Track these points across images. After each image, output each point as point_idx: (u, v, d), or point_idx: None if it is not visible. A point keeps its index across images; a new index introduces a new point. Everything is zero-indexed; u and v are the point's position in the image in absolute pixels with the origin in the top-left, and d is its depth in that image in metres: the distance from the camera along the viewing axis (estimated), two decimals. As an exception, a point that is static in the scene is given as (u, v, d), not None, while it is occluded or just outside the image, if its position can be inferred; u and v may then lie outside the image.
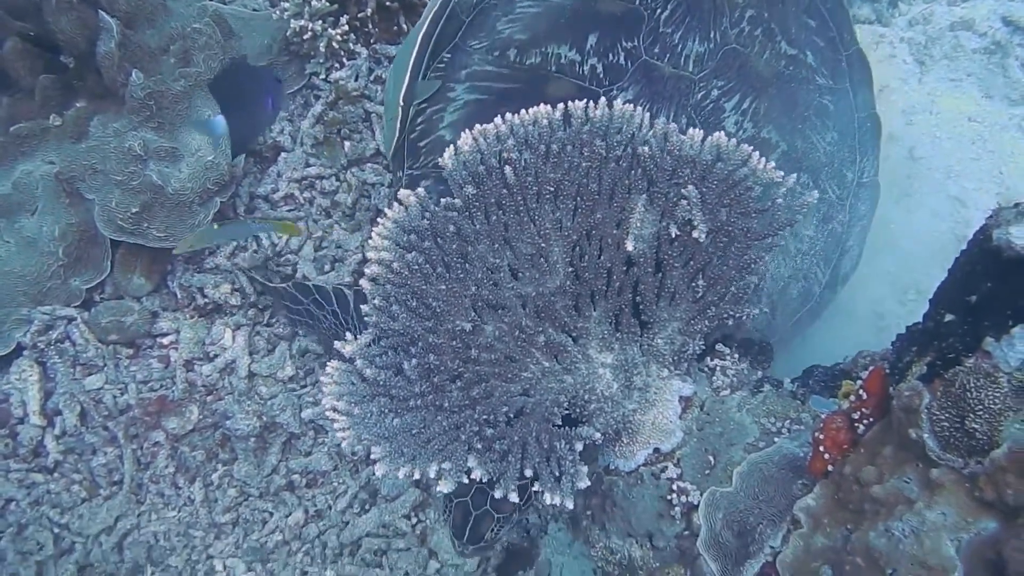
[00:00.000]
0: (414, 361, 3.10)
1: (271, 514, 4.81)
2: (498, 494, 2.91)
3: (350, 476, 4.79)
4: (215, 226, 4.41)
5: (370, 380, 3.08)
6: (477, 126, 3.23)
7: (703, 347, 3.41)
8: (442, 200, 3.21)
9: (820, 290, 4.23)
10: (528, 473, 2.92)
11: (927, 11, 5.80)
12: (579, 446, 3.02)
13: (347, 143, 4.89)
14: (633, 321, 3.28)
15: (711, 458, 3.23)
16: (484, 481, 2.94)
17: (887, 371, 2.71)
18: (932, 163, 5.17)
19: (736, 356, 3.59)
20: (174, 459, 4.74)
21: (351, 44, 4.86)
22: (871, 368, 2.75)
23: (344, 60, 4.88)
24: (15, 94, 4.88)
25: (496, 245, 3.20)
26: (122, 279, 4.75)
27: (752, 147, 3.18)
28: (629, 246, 3.18)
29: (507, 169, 3.16)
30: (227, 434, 4.70)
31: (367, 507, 4.80)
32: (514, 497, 2.92)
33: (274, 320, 4.92)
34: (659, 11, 3.98)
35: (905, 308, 4.71)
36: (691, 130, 3.18)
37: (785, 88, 4.12)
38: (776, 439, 3.16)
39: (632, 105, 3.23)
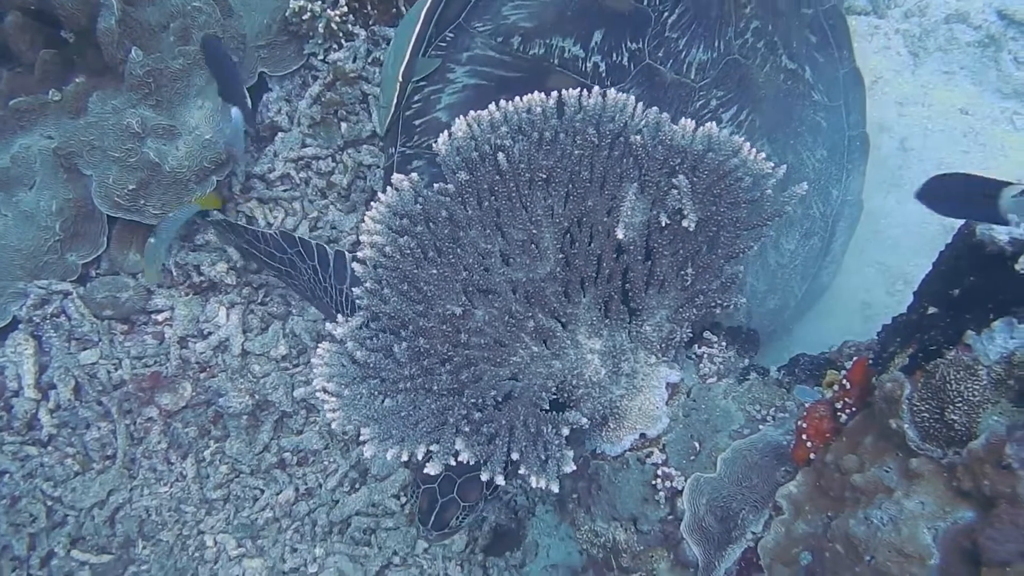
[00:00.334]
0: (404, 344, 3.12)
1: (262, 491, 4.86)
2: (484, 477, 2.94)
3: (341, 455, 4.84)
4: (150, 240, 4.44)
5: (360, 362, 3.11)
6: (471, 112, 3.25)
7: (691, 335, 3.43)
8: (435, 185, 3.23)
9: (795, 303, 4.26)
10: (515, 456, 2.95)
11: (922, 3, 5.82)
12: (566, 431, 3.03)
13: (344, 124, 4.91)
14: (622, 308, 3.30)
15: (696, 444, 3.26)
16: (472, 463, 2.97)
17: (871, 361, 2.75)
18: (923, 155, 5.19)
19: (723, 344, 3.62)
20: (167, 435, 4.79)
21: (349, 25, 4.86)
22: (855, 358, 2.79)
23: (342, 41, 4.89)
24: (15, 68, 4.89)
25: (488, 231, 3.22)
26: (118, 255, 4.78)
27: (744, 138, 3.21)
28: (619, 234, 3.21)
29: (500, 156, 3.18)
30: (220, 411, 4.75)
31: (357, 486, 4.86)
32: (500, 480, 2.96)
33: (268, 299, 4.95)
34: (666, 14, 3.99)
35: (893, 298, 4.74)
36: (683, 120, 3.20)
37: (782, 103, 4.14)
38: (761, 427, 3.19)
39: (625, 95, 3.26)
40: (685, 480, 3.14)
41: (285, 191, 5.01)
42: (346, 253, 4.37)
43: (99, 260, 4.81)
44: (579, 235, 3.25)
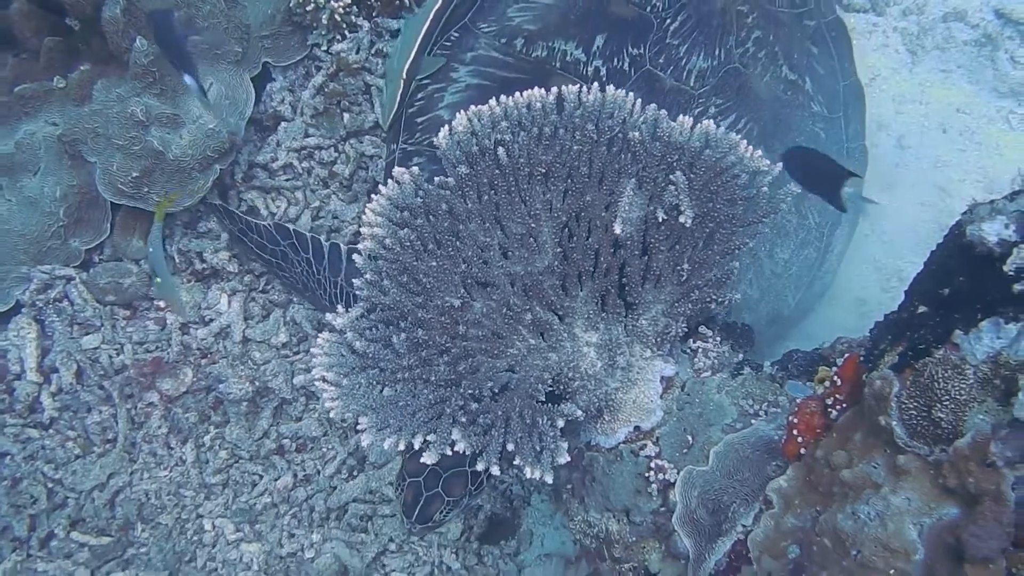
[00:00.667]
0: (403, 335, 3.17)
1: (261, 477, 4.90)
2: (480, 467, 2.98)
3: (339, 442, 4.87)
4: (157, 280, 4.45)
5: (360, 352, 3.16)
6: (472, 107, 3.29)
7: (686, 329, 3.48)
8: (435, 179, 3.28)
9: (788, 313, 4.29)
10: (510, 447, 2.99)
11: (921, 1, 5.84)
12: (561, 422, 3.07)
13: (346, 115, 4.92)
14: (619, 302, 3.35)
15: (689, 437, 3.30)
16: (468, 453, 3.01)
17: (863, 358, 2.79)
18: (920, 152, 5.23)
19: (718, 339, 3.65)
20: (167, 420, 4.82)
21: (353, 17, 4.87)
22: (847, 355, 2.81)
23: (346, 32, 4.89)
24: (19, 55, 4.91)
25: (487, 224, 3.26)
26: (121, 241, 4.80)
27: (743, 133, 3.25)
28: (617, 229, 3.25)
29: (500, 150, 3.22)
30: (220, 397, 4.78)
31: (355, 473, 4.90)
32: (496, 470, 3.00)
33: (270, 287, 4.98)
34: (668, 21, 4.03)
35: (888, 295, 4.78)
36: (681, 117, 3.24)
37: (781, 112, 4.17)
38: (753, 421, 3.23)
39: (624, 91, 3.30)
40: (678, 473, 3.18)
41: (287, 180, 5.02)
42: (341, 246, 4.41)
43: (102, 246, 4.83)
44: (577, 229, 3.30)
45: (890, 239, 4.90)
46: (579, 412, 3.16)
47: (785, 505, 2.68)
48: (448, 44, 4.12)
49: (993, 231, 2.43)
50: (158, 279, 4.17)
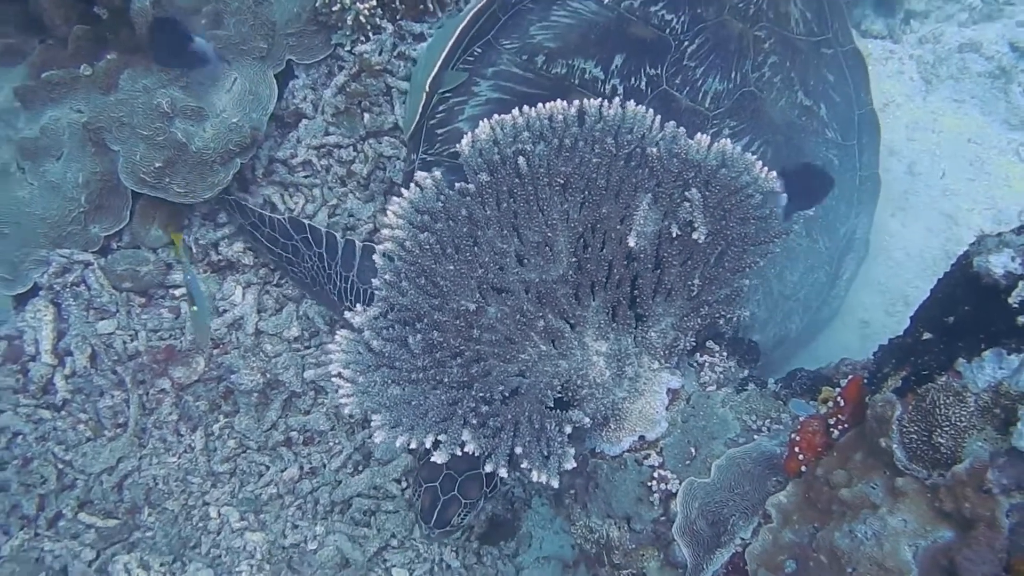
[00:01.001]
0: (419, 336, 3.22)
1: (267, 467, 4.94)
2: (488, 468, 3.04)
3: (346, 437, 4.91)
4: (193, 308, 4.50)
5: (376, 351, 3.21)
6: (495, 116, 3.34)
7: (694, 343, 3.53)
8: (456, 185, 3.33)
9: (795, 335, 4.34)
10: (518, 451, 3.05)
11: (937, 30, 5.88)
12: (568, 428, 3.12)
13: (367, 115, 4.97)
14: (629, 313, 3.40)
15: (693, 449, 3.35)
16: (477, 455, 3.07)
17: (866, 381, 2.84)
18: (929, 180, 5.25)
19: (725, 354, 3.70)
20: (178, 407, 4.87)
21: (377, 19, 4.93)
22: (851, 377, 2.83)
23: (370, 34, 4.94)
24: (47, 41, 4.98)
25: (505, 231, 3.32)
26: (140, 230, 4.85)
27: (756, 156, 3.30)
28: (631, 242, 3.31)
29: (520, 160, 3.28)
30: (231, 387, 4.82)
31: (360, 468, 4.93)
32: (504, 472, 3.06)
33: (284, 281, 5.04)
34: (686, 44, 4.10)
35: (892, 318, 4.81)
36: (699, 135, 3.29)
37: (795, 137, 4.22)
38: (756, 436, 3.28)
39: (644, 107, 3.36)
40: (680, 483, 3.23)
41: (306, 177, 5.07)
42: (356, 242, 4.46)
43: (121, 233, 4.88)
44: (592, 240, 3.35)
45: (897, 263, 4.94)
46: (587, 419, 3.21)
47: (784, 520, 2.72)
48: (471, 59, 4.19)
49: (1000, 263, 2.47)
50: (194, 307, 4.24)
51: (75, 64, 4.73)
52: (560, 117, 3.33)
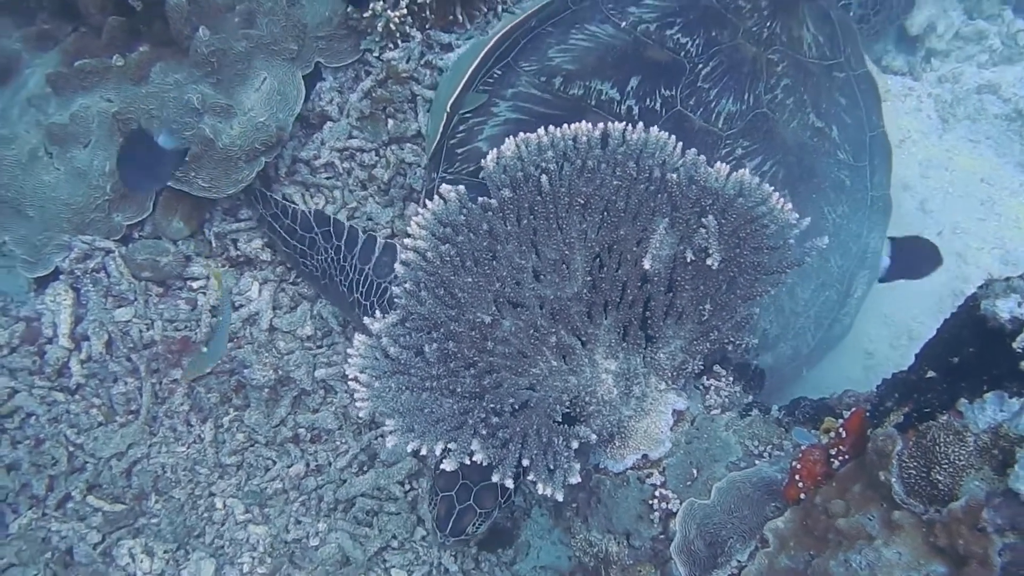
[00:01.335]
0: (435, 345, 3.27)
1: (274, 462, 4.99)
2: (495, 478, 3.09)
3: (352, 437, 4.95)
4: (204, 349, 4.60)
5: (392, 357, 3.26)
6: (521, 134, 3.40)
7: (701, 366, 3.58)
8: (479, 199, 3.40)
9: (808, 351, 4.39)
10: (525, 463, 3.10)
11: (957, 70, 5.94)
12: (575, 444, 3.17)
13: (391, 121, 5.02)
14: (640, 334, 3.45)
15: (695, 471, 3.39)
16: (485, 464, 3.13)
17: (869, 413, 2.88)
18: (940, 217, 5.29)
19: (731, 379, 3.74)
20: (190, 398, 4.93)
21: (407, 27, 4.99)
22: (854, 409, 2.86)
23: (398, 41, 4.99)
24: (81, 29, 5.06)
25: (523, 247, 3.37)
26: (162, 221, 4.91)
27: (772, 188, 3.36)
28: (646, 264, 3.37)
29: (543, 178, 3.34)
30: (242, 382, 4.88)
31: (365, 469, 4.97)
32: (510, 483, 3.12)
33: (299, 280, 5.10)
34: (700, 66, 4.18)
35: (896, 351, 4.84)
36: (718, 164, 3.35)
37: (806, 158, 4.27)
38: (757, 461, 3.31)
39: (667, 134, 3.42)
40: (680, 503, 3.26)
41: (328, 179, 5.13)
42: (377, 238, 4.53)
43: (143, 223, 4.95)
44: (608, 261, 3.40)
45: (904, 298, 4.95)
46: (593, 435, 3.24)
47: (780, 545, 2.73)
48: (491, 81, 4.28)
49: (1006, 308, 2.49)
50: (211, 344, 4.34)
51: (108, 54, 4.79)
52: (584, 139, 3.38)
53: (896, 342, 4.93)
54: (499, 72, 4.30)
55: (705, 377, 3.76)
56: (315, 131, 5.16)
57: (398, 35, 4.99)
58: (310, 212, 4.69)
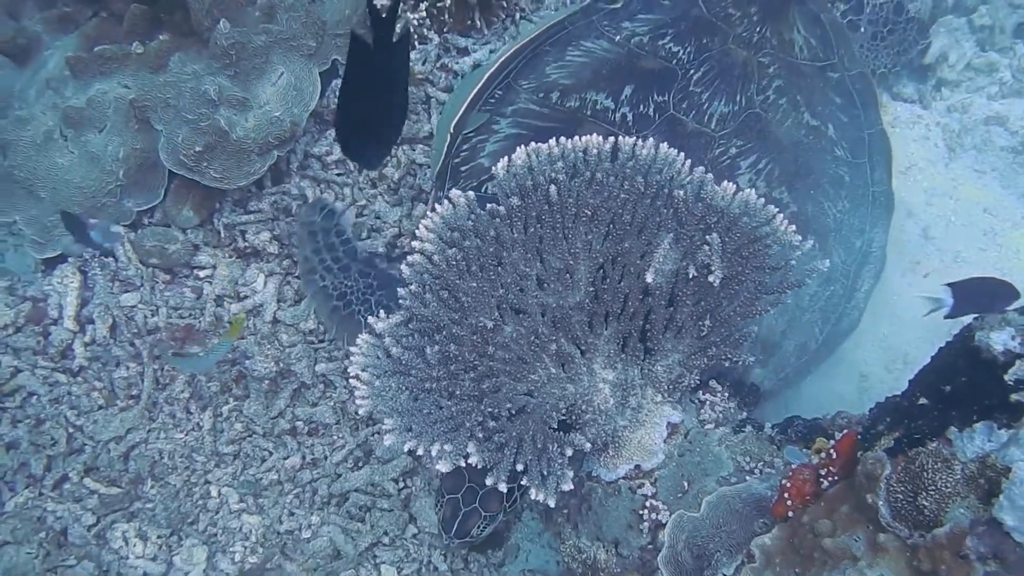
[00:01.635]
0: (436, 348, 3.31)
1: (271, 453, 5.00)
2: (489, 481, 3.13)
3: (349, 433, 4.98)
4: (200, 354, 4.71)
5: (394, 357, 3.30)
6: (532, 144, 3.43)
7: (698, 381, 3.62)
8: (488, 205, 3.44)
9: (816, 347, 4.42)
10: (520, 467, 3.13)
11: (966, 101, 5.96)
12: (569, 451, 3.19)
13: (404, 121, 5.09)
14: (639, 346, 3.49)
15: (686, 483, 3.43)
16: (480, 467, 3.17)
17: (860, 436, 2.91)
18: (942, 245, 5.30)
19: (726, 395, 3.79)
20: (190, 385, 4.97)
21: (425, 29, 5.04)
22: (845, 431, 2.89)
23: (416, 44, 5.05)
24: (102, 14, 5.11)
25: (529, 255, 3.40)
26: (172, 209, 4.96)
27: (777, 209, 3.41)
28: (649, 278, 3.40)
29: (552, 188, 3.37)
30: (243, 372, 4.92)
31: (360, 464, 4.99)
32: (503, 487, 3.15)
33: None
34: (692, 71, 4.29)
35: (891, 375, 4.84)
36: (725, 183, 3.39)
37: (802, 155, 4.34)
38: (748, 477, 3.35)
39: (676, 151, 3.47)
40: (670, 514, 3.28)
41: (339, 175, 5.18)
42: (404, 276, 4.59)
43: (153, 210, 5.01)
44: (611, 272, 3.43)
45: (901, 322, 4.97)
46: (587, 444, 3.28)
47: (766, 561, 2.75)
48: (493, 100, 4.39)
49: (1000, 341, 2.54)
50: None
51: (128, 41, 4.85)
52: (595, 151, 3.42)
53: (891, 366, 4.94)
54: (500, 92, 4.42)
55: (701, 391, 3.80)
56: (328, 127, 5.20)
57: (416, 37, 5.03)
58: (368, 249, 4.80)
